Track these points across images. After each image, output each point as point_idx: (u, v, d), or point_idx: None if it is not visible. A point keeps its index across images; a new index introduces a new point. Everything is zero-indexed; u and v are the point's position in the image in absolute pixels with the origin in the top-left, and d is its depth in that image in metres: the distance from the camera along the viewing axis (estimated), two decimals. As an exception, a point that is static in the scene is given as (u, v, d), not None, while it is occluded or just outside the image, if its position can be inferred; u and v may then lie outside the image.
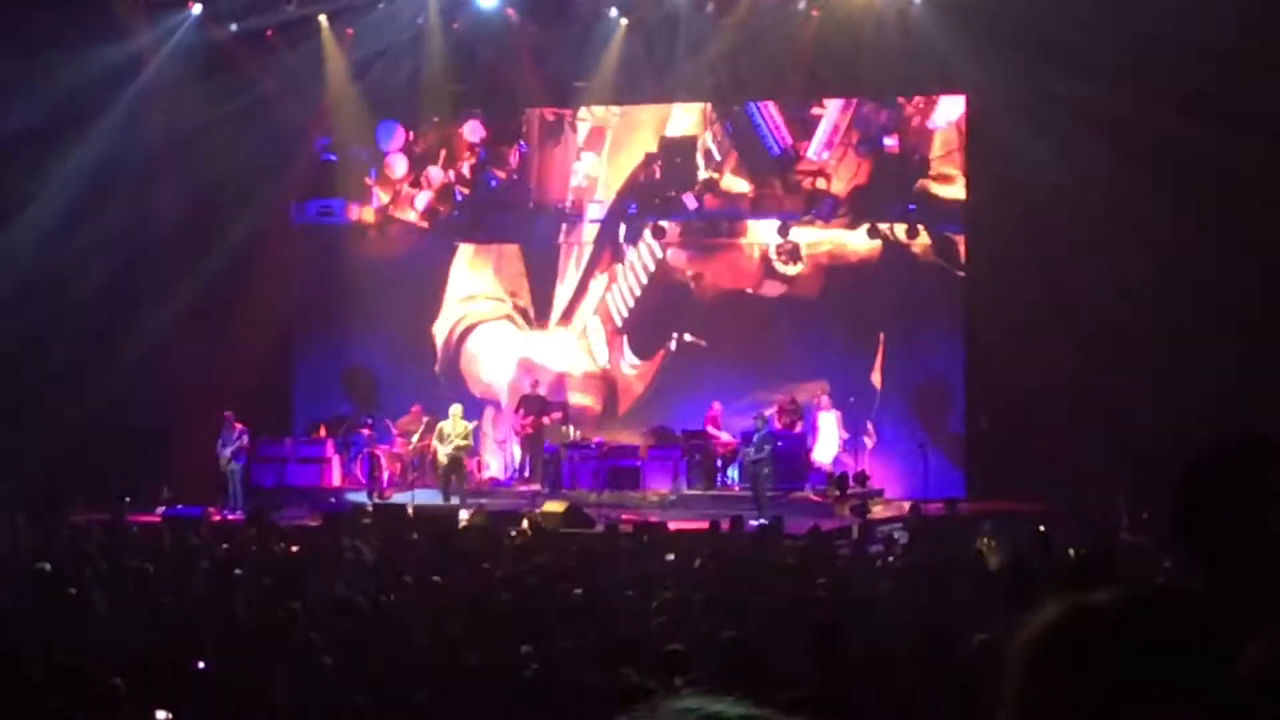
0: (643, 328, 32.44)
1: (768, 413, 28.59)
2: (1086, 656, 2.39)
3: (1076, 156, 27.26)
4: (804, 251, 31.45)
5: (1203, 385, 25.09)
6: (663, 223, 32.14)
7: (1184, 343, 26.21)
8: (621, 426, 31.87)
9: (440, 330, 33.42)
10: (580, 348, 32.77)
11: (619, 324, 32.54)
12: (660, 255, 32.17)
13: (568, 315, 32.88)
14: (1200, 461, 3.15)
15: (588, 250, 32.80)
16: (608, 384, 32.60)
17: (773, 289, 31.73)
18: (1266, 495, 3.00)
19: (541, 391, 31.30)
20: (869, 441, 30.29)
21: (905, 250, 31.01)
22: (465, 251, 33.52)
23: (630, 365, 32.44)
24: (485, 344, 33.27)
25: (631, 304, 32.44)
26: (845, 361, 30.81)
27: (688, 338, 31.85)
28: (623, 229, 32.51)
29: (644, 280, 32.34)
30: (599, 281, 32.70)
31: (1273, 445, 3.13)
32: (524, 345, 33.04)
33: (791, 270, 31.52)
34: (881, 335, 30.83)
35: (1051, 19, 26.72)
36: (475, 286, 33.43)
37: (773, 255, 31.61)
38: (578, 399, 32.46)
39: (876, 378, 30.81)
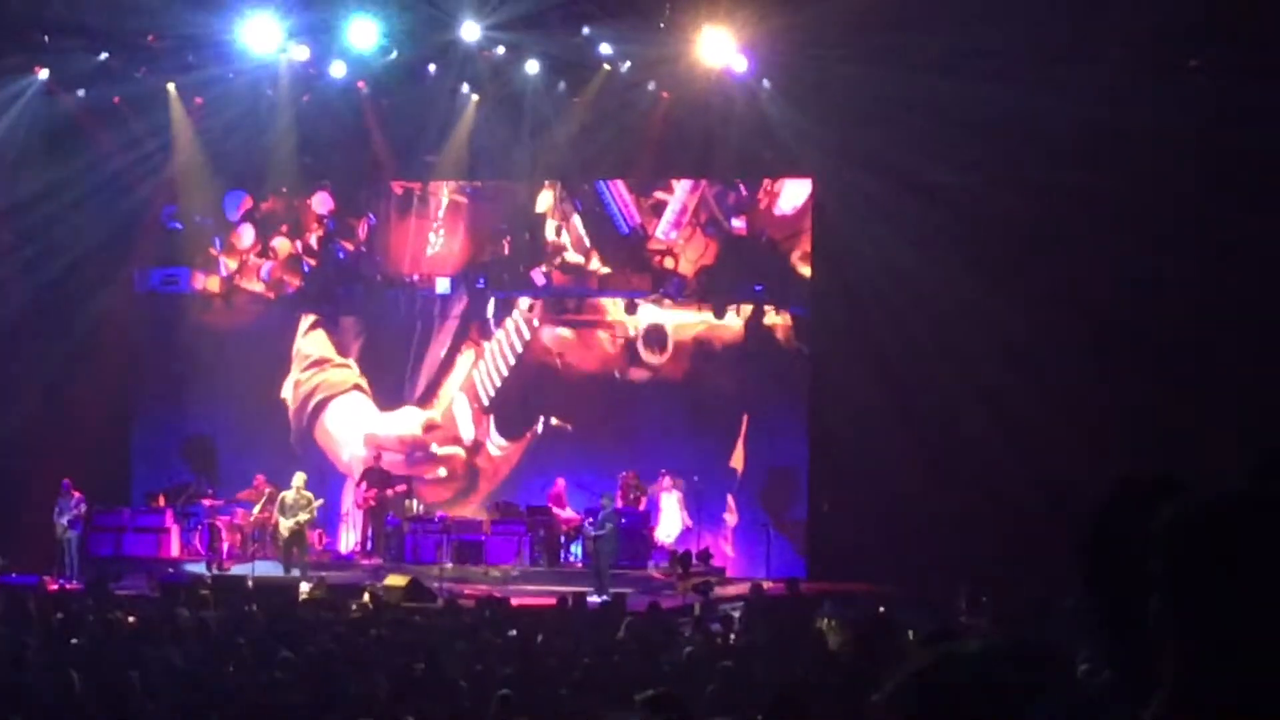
0: (509, 408, 32.41)
1: (611, 494, 28.64)
2: (954, 696, 2.51)
3: (920, 241, 27.67)
4: (669, 338, 31.62)
5: (1041, 472, 25.49)
6: (525, 299, 32.17)
7: (1022, 430, 26.64)
8: (470, 502, 31.90)
9: (289, 396, 33.21)
10: (442, 424, 32.65)
11: (485, 403, 32.48)
12: (527, 336, 32.18)
13: (429, 394, 32.77)
14: (1102, 506, 3.24)
15: (444, 324, 32.73)
16: (469, 463, 32.48)
17: (638, 374, 31.88)
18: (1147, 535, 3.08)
19: (385, 464, 31.20)
20: (731, 519, 30.56)
21: (763, 332, 31.28)
22: (308, 319, 33.33)
23: (497, 446, 32.33)
24: (340, 420, 33.06)
25: (499, 383, 32.41)
26: (704, 444, 31.00)
27: (554, 421, 31.82)
28: (491, 304, 32.49)
29: (511, 360, 32.35)
30: (465, 358, 32.64)
31: (1168, 481, 3.21)
32: (375, 423, 32.82)
33: (656, 360, 31.63)
34: (745, 417, 31.06)
35: (897, 104, 27.09)
36: (320, 352, 33.24)
37: (640, 345, 31.71)
38: (432, 476, 32.34)
39: (738, 458, 31.01)
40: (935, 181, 27.46)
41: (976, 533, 26.13)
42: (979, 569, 23.81)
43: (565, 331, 32.33)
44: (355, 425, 32.80)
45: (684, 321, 31.64)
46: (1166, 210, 26.19)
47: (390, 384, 32.96)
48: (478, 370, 32.51)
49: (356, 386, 33.09)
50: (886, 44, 25.79)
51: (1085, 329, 26.76)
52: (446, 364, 32.70)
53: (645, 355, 31.72)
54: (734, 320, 31.45)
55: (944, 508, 27.29)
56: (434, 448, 32.58)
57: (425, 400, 32.79)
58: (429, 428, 32.65)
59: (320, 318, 33.26)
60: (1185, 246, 25.90)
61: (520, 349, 32.32)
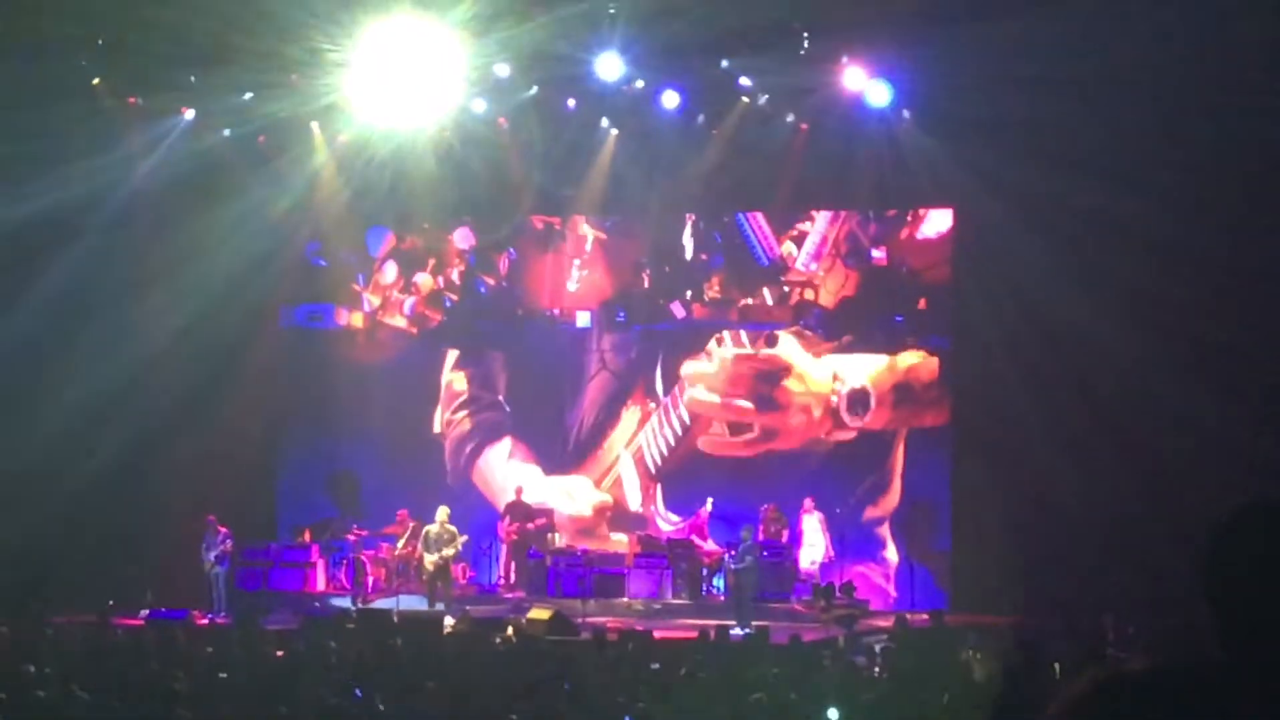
0: (678, 480, 32.27)
1: (752, 527, 28.46)
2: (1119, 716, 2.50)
3: (1062, 270, 27.44)
4: (871, 398, 31.44)
5: (1185, 504, 25.13)
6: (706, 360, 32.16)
7: (1167, 462, 26.35)
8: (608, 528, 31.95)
9: (442, 432, 33.44)
10: (614, 504, 32.61)
11: (653, 470, 32.43)
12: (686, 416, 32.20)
13: (590, 450, 32.78)
14: (1230, 522, 3.22)
15: (588, 359, 32.85)
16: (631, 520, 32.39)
17: (843, 435, 31.58)
18: None
19: (526, 499, 31.30)
20: (890, 556, 30.39)
21: (906, 366, 31.10)
22: (453, 354, 33.53)
23: (668, 521, 32.13)
24: (498, 470, 33.12)
25: (666, 451, 32.36)
26: (853, 479, 30.96)
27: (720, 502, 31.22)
28: (659, 367, 32.49)
29: (679, 429, 32.31)
30: (630, 414, 32.66)
31: None
32: (538, 486, 32.62)
33: (860, 421, 31.49)
34: (900, 450, 30.94)
35: (1039, 132, 26.91)
36: (469, 389, 33.41)
37: (843, 409, 31.48)
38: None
39: (894, 492, 30.91)
40: (1077, 208, 27.22)
41: (1122, 564, 25.83)
42: (1125, 601, 23.49)
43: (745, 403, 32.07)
44: (514, 479, 32.60)
45: (868, 369, 31.45)
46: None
47: (544, 431, 32.96)
48: (644, 433, 32.50)
49: (511, 435, 33.15)
50: (1030, 70, 25.58)
51: (1236, 362, 26.33)
52: (609, 419, 32.70)
53: (849, 419, 31.48)
54: (907, 358, 31.27)
55: (1088, 538, 27.01)
56: (607, 530, 32.43)
57: (586, 459, 32.74)
58: (600, 510, 32.50)
59: (463, 353, 33.41)
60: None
61: (687, 420, 32.26)
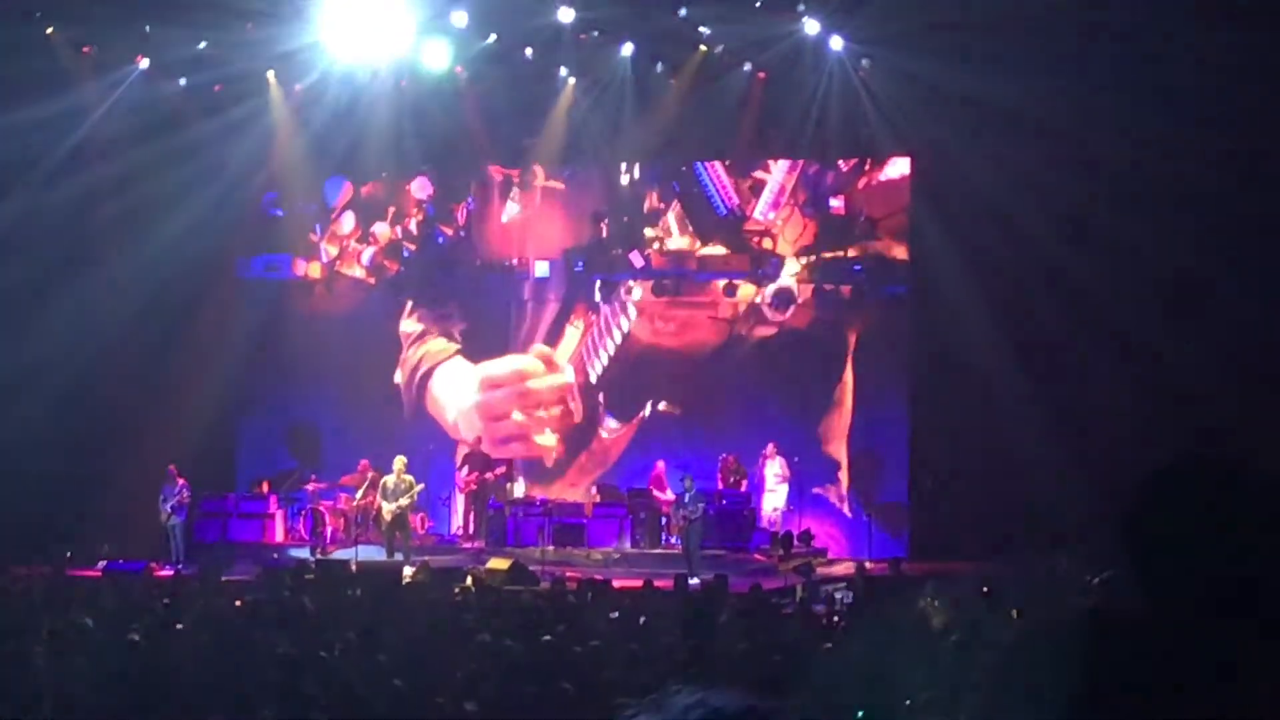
0: (618, 389, 32.55)
1: (692, 476, 28.46)
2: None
3: (1020, 217, 27.49)
4: (795, 296, 31.68)
5: (1144, 448, 25.24)
6: (632, 282, 32.24)
7: (1123, 408, 26.46)
8: (574, 482, 32.03)
9: (400, 378, 33.45)
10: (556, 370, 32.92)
11: (593, 380, 32.66)
12: (633, 316, 32.31)
13: (539, 341, 33.05)
14: (1158, 474, 3.26)
15: (545, 307, 32.85)
16: (580, 432, 32.65)
17: (764, 331, 31.96)
18: (1218, 517, 3.11)
19: (485, 448, 31.32)
20: (838, 502, 30.55)
21: (863, 313, 31.28)
22: (407, 307, 33.54)
23: (607, 429, 32.43)
24: (447, 380, 33.28)
25: (605, 361, 32.57)
26: (807, 429, 31.08)
27: (662, 406, 31.91)
28: (597, 286, 32.60)
29: (618, 339, 32.50)
30: (574, 329, 32.89)
31: (1230, 467, 3.24)
32: (484, 368, 33.12)
33: (781, 315, 31.65)
34: (850, 397, 31.07)
35: (997, 80, 26.89)
36: (421, 327, 33.45)
37: (764, 302, 31.70)
38: (541, 440, 32.49)
39: (841, 445, 31.05)
40: (1035, 155, 27.27)
41: (1086, 508, 25.95)
42: (1086, 546, 23.58)
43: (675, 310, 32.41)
44: (463, 380, 32.95)
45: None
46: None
47: (495, 350, 33.14)
48: (585, 345, 32.59)
49: (460, 353, 33.25)
50: (985, 18, 25.58)
51: (1200, 303, 26.40)
52: (554, 335, 32.84)
53: (771, 315, 31.72)
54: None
55: (1046, 485, 27.12)
56: (545, 380, 32.76)
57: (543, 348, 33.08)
58: (542, 359, 32.87)
59: (419, 301, 33.39)
60: None
61: (626, 329, 32.36)
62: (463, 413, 32.71)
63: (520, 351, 32.95)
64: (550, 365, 32.71)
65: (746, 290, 31.71)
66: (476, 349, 33.20)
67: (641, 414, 32.02)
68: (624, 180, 32.65)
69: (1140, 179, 26.48)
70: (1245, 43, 24.82)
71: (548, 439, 32.59)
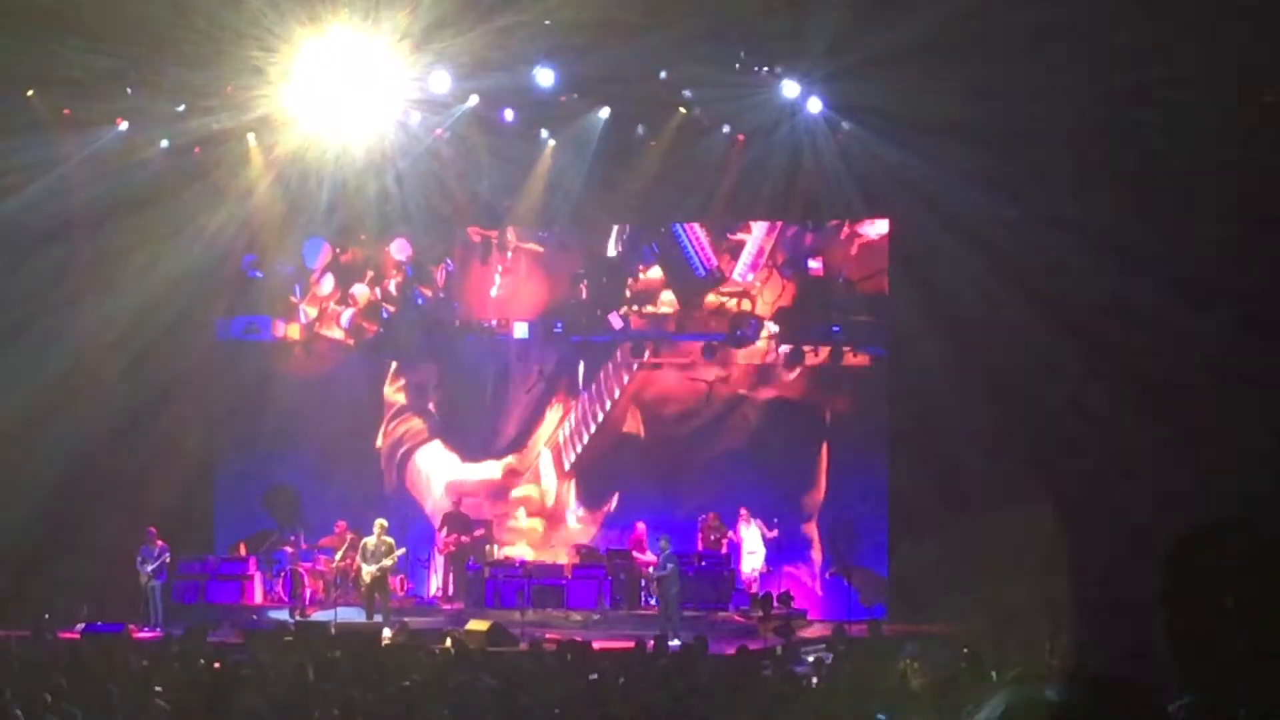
0: (592, 474, 32.63)
1: (669, 537, 28.48)
2: None
3: (999, 279, 27.60)
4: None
5: (1125, 514, 25.33)
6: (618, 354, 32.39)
7: (1106, 473, 26.51)
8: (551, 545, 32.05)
9: (382, 445, 33.47)
10: (522, 472, 32.85)
11: (567, 466, 32.68)
12: (616, 395, 32.35)
13: (516, 447, 32.95)
14: (1179, 543, 3.30)
15: (523, 370, 32.89)
16: (552, 523, 32.65)
17: (743, 392, 32.13)
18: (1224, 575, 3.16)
19: (465, 509, 31.31)
20: (817, 558, 30.63)
21: (842, 373, 31.37)
22: (391, 368, 33.56)
23: (577, 517, 32.52)
24: (424, 468, 33.30)
25: (581, 447, 32.60)
26: (785, 488, 31.16)
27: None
28: (581, 367, 32.74)
29: (599, 418, 32.52)
30: (554, 413, 32.85)
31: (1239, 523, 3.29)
32: (458, 472, 33.04)
33: (791, 376, 31.80)
34: (825, 461, 31.15)
35: (975, 141, 27.01)
36: (403, 400, 33.46)
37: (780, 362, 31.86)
38: (512, 523, 32.52)
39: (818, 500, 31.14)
40: (1013, 218, 27.40)
41: (1060, 574, 25.96)
42: (1063, 611, 23.60)
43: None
44: (438, 474, 32.95)
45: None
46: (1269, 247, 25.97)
47: (473, 433, 33.13)
48: (563, 430, 32.62)
49: (439, 436, 33.23)
50: (964, 75, 25.70)
51: (1180, 369, 26.46)
52: (534, 418, 32.82)
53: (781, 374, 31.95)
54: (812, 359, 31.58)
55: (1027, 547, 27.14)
56: (514, 492, 32.67)
57: (511, 452, 32.96)
58: (509, 473, 32.73)
59: (400, 365, 33.43)
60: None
61: (609, 407, 32.40)
62: (438, 508, 32.67)
63: (497, 445, 33.00)
64: (515, 475, 32.81)
65: (725, 352, 31.79)
66: (454, 419, 33.20)
67: (608, 507, 32.00)
68: (603, 241, 32.69)
69: (1124, 244, 26.54)
70: (1228, 109, 25.07)
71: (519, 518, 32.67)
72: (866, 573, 30.00)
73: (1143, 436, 26.45)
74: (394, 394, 33.51)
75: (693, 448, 31.85)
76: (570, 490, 32.55)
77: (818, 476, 31.23)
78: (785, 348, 31.63)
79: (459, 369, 33.14)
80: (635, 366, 32.32)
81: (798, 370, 31.59)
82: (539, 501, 32.66)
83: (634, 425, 32.43)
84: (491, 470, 32.91)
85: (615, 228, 32.61)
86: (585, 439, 32.51)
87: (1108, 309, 26.92)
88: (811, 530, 31.03)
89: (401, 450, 33.36)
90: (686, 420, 32.12)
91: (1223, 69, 24.81)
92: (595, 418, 32.43)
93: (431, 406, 33.33)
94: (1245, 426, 25.59)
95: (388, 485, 33.19)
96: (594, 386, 32.49)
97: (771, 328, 31.68)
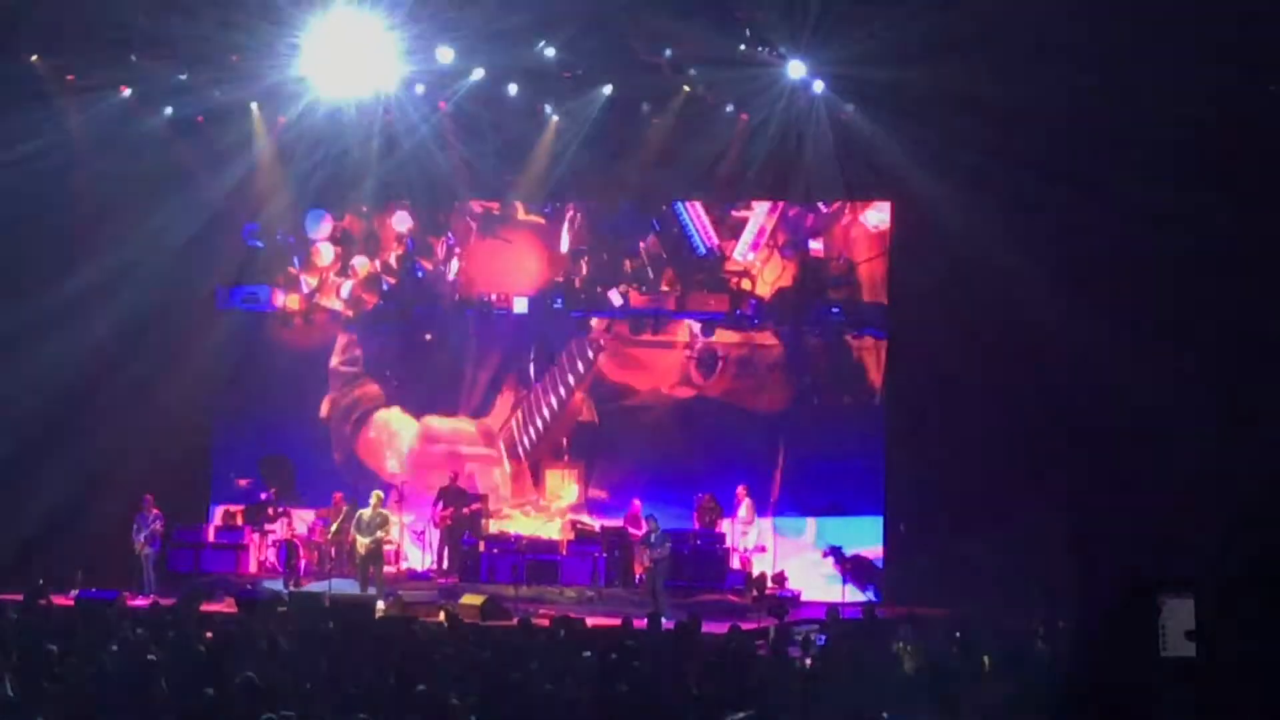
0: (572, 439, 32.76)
1: (656, 517, 28.48)
2: None
3: (1001, 265, 27.54)
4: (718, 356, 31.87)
5: (1119, 501, 25.37)
6: (591, 320, 32.31)
7: (1102, 458, 26.52)
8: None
9: (330, 415, 33.57)
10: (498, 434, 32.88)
11: (521, 454, 32.81)
12: (590, 358, 32.36)
13: (485, 408, 33.00)
14: (1111, 608, 3.35)
15: (518, 346, 32.95)
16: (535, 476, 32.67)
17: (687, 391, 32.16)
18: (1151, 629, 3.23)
19: (461, 483, 31.31)
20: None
21: (841, 355, 31.34)
22: (341, 339, 33.74)
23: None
24: (385, 431, 33.25)
25: (535, 437, 32.80)
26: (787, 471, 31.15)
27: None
28: (532, 353, 32.81)
29: (571, 387, 32.59)
30: (504, 400, 33.02)
31: (1167, 581, 3.34)
32: (427, 421, 33.19)
33: (707, 379, 31.80)
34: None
35: (979, 123, 26.94)
36: (353, 368, 33.65)
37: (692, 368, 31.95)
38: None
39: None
40: (1018, 201, 27.36)
41: (1056, 559, 25.98)
42: (1056, 595, 23.61)
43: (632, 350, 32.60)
44: (402, 429, 33.05)
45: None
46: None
47: (447, 400, 33.24)
48: (514, 420, 32.83)
49: (399, 405, 33.34)
50: (967, 60, 25.64)
51: (1180, 356, 26.42)
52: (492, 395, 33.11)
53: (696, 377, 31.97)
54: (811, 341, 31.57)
55: (1022, 533, 27.14)
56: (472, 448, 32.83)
57: (484, 417, 33.09)
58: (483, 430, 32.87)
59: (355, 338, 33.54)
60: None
61: (582, 373, 32.57)
62: (404, 457, 32.72)
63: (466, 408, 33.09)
64: (486, 439, 32.86)
65: (723, 334, 31.76)
66: (417, 396, 33.33)
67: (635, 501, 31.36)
68: (604, 218, 32.65)
69: (1128, 224, 26.47)
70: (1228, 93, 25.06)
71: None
72: (860, 555, 29.97)
73: (1152, 416, 26.42)
74: (345, 367, 33.58)
75: (682, 426, 31.82)
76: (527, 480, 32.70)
77: (813, 460, 31.16)
78: (784, 328, 31.59)
79: (454, 342, 33.05)
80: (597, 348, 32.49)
81: (794, 350, 31.53)
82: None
83: (589, 414, 32.55)
84: (461, 425, 33.00)
85: (617, 204, 32.53)
86: (539, 430, 32.64)
87: (1116, 290, 26.89)
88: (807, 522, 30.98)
89: (355, 416, 33.37)
90: (681, 401, 32.07)
91: (1220, 57, 24.79)
92: (560, 391, 32.55)
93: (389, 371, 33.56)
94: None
95: (336, 454, 33.19)
96: (547, 373, 32.71)
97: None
